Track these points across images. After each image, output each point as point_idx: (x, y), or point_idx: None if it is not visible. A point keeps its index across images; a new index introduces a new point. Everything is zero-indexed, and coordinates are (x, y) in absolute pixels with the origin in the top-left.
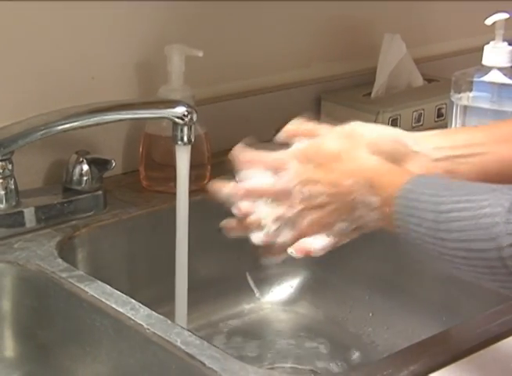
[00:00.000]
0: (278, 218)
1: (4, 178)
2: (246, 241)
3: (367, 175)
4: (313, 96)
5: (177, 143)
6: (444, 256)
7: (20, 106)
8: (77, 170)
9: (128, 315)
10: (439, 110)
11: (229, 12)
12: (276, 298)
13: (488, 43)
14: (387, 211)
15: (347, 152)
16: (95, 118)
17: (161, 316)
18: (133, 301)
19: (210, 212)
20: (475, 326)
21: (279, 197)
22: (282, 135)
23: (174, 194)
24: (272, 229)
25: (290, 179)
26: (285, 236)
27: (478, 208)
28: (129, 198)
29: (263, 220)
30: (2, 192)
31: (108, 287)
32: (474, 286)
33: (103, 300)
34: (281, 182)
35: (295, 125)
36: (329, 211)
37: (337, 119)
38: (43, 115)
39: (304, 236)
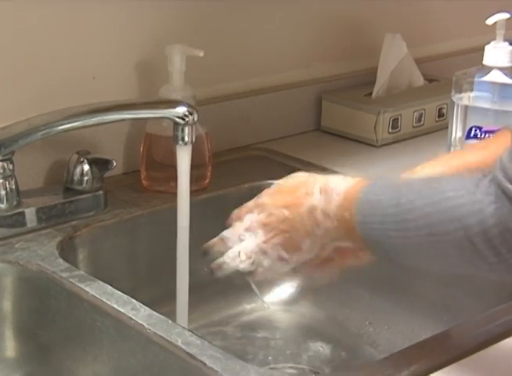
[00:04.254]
0: (248, 254)
1: (5, 178)
2: None
3: (319, 185)
4: (314, 96)
5: (178, 143)
6: (410, 247)
7: (21, 106)
8: (77, 170)
9: (129, 315)
10: (440, 110)
11: (230, 12)
12: (278, 298)
13: (488, 43)
14: (347, 217)
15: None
16: (96, 118)
17: (162, 316)
18: (134, 301)
19: (211, 212)
20: (476, 326)
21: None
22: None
23: (175, 194)
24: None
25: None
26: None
27: (441, 193)
28: (130, 198)
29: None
30: (3, 192)
31: (109, 287)
32: (474, 286)
33: (104, 300)
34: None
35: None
36: (289, 231)
37: (338, 119)
38: (44, 115)
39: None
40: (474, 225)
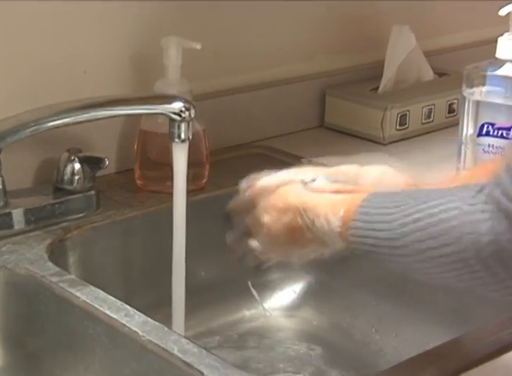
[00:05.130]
0: None
1: None
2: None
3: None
4: (317, 91)
5: (174, 141)
6: (406, 268)
7: (9, 102)
8: (68, 169)
9: (123, 321)
10: (450, 105)
11: (229, 2)
12: (279, 304)
13: (501, 35)
14: (344, 235)
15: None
16: (88, 114)
17: (157, 323)
18: (128, 307)
19: (208, 213)
20: (488, 333)
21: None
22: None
23: (171, 194)
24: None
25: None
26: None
27: (432, 216)
28: (123, 198)
29: None
30: None
31: (101, 292)
32: None
33: (96, 306)
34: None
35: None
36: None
37: (343, 115)
38: (33, 111)
39: None
40: (469, 246)
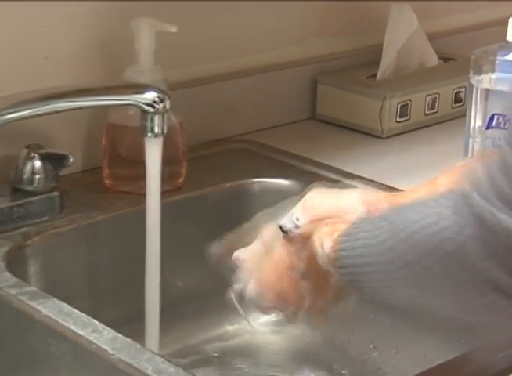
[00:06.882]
0: None
1: None
2: None
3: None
4: (307, 79)
5: (146, 135)
6: (393, 295)
7: None
8: (27, 167)
9: (90, 338)
10: (457, 94)
11: None
12: (266, 318)
13: None
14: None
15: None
16: (49, 106)
17: (129, 340)
18: (95, 321)
19: (185, 216)
20: (498, 349)
21: None
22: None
23: (144, 195)
24: None
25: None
26: None
27: (415, 231)
28: (90, 200)
29: None
30: None
31: (66, 305)
32: None
33: (60, 321)
34: None
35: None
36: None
37: (337, 105)
38: None
39: None
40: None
